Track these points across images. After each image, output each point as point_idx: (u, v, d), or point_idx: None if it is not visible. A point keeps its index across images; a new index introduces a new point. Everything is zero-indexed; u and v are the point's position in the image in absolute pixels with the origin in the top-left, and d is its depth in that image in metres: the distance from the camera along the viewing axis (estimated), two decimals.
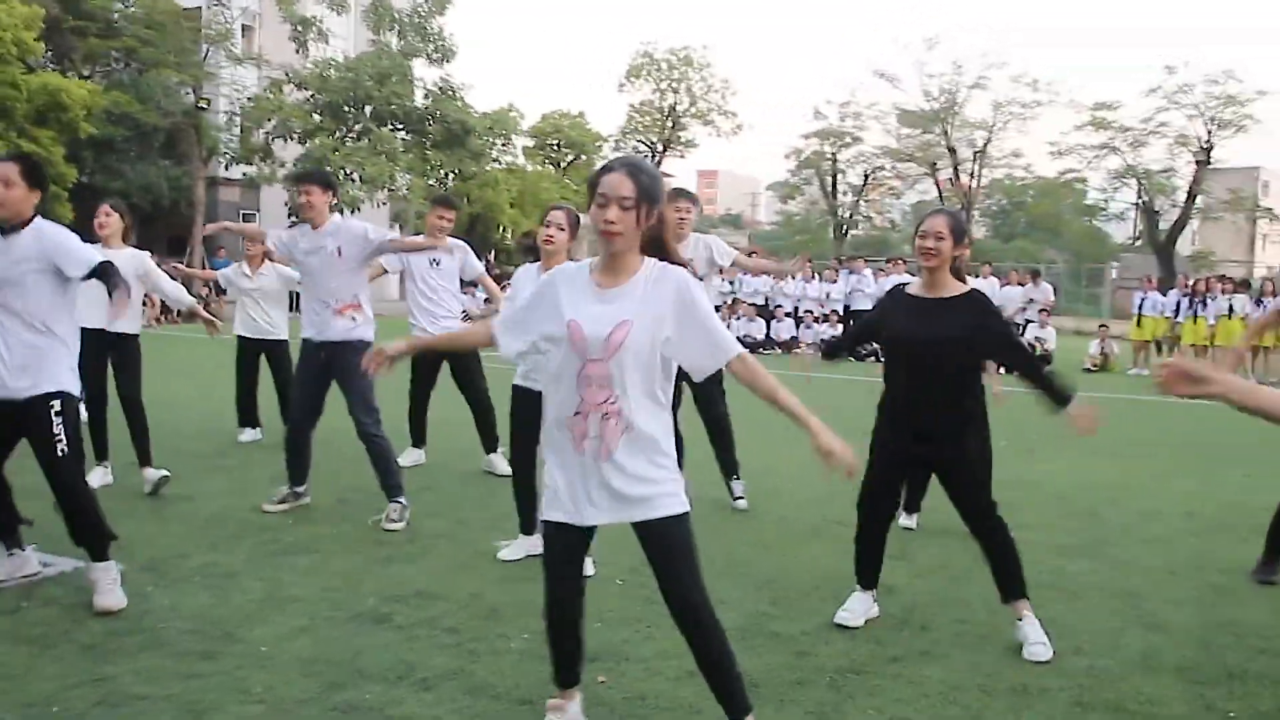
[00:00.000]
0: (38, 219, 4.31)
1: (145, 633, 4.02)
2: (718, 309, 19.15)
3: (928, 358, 4.19)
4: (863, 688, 3.74)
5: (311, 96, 29.77)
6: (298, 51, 29.82)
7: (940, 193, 42.03)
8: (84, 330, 4.73)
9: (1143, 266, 41.05)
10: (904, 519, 5.97)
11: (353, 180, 29.02)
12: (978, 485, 4.31)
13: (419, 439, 7.57)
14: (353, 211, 28.21)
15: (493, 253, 34.45)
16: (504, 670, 3.78)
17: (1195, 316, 17.42)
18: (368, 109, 30.07)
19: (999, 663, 4.02)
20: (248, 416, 8.38)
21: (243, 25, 31.92)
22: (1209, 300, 17.42)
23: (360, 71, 29.24)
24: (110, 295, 4.31)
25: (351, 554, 5.22)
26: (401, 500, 5.79)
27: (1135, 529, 6.32)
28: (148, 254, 6.68)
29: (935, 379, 4.20)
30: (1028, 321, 18.63)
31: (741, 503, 6.43)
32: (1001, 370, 5.54)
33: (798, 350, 6.40)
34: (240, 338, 8.46)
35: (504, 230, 39.80)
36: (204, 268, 23.12)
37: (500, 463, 7.33)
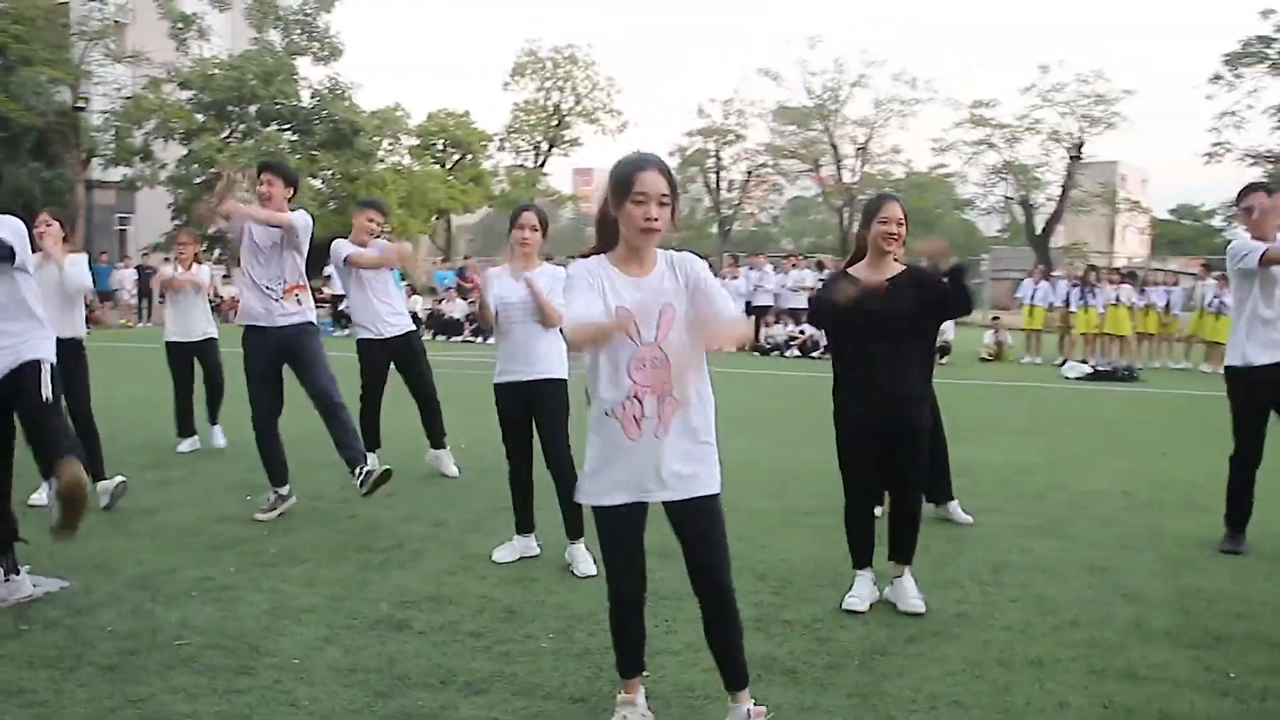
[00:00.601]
0: None
1: (164, 650, 3.92)
2: None
3: (894, 331, 4.39)
4: (892, 668, 3.89)
5: (195, 96, 28.79)
6: (177, 49, 28.81)
7: (823, 189, 42.99)
8: None
9: (1014, 259, 42.75)
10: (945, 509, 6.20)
11: None
12: (922, 454, 4.58)
13: (374, 443, 7.46)
14: None
15: None
16: (545, 671, 3.81)
17: (1086, 306, 18.24)
18: (253, 108, 29.25)
19: (1007, 638, 4.21)
20: (186, 425, 8.14)
21: (115, 21, 30.70)
22: (1098, 290, 18.27)
23: (245, 70, 28.43)
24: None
25: (342, 562, 5.15)
26: (366, 465, 5.84)
27: (1082, 508, 6.65)
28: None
29: (899, 351, 4.42)
30: None
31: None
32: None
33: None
34: (171, 344, 8.24)
35: (392, 232, 39.17)
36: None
37: (448, 461, 7.31)
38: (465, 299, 23.04)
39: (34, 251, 4.99)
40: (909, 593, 4.53)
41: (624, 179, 3.04)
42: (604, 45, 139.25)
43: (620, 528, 3.18)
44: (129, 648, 3.93)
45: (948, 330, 19.14)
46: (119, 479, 6.16)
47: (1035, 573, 5.16)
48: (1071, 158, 36.34)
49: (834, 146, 40.66)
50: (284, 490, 5.98)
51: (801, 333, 18.99)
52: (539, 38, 74.18)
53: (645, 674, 3.71)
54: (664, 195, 3.03)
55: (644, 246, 3.09)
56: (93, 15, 28.45)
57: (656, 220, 3.02)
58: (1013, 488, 7.24)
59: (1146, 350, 18.56)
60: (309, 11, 30.72)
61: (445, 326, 23.11)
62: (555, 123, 45.67)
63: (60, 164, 28.52)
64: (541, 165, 46.39)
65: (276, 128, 29.99)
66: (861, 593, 4.55)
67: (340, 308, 24.12)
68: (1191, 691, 3.70)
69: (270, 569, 4.99)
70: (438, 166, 44.19)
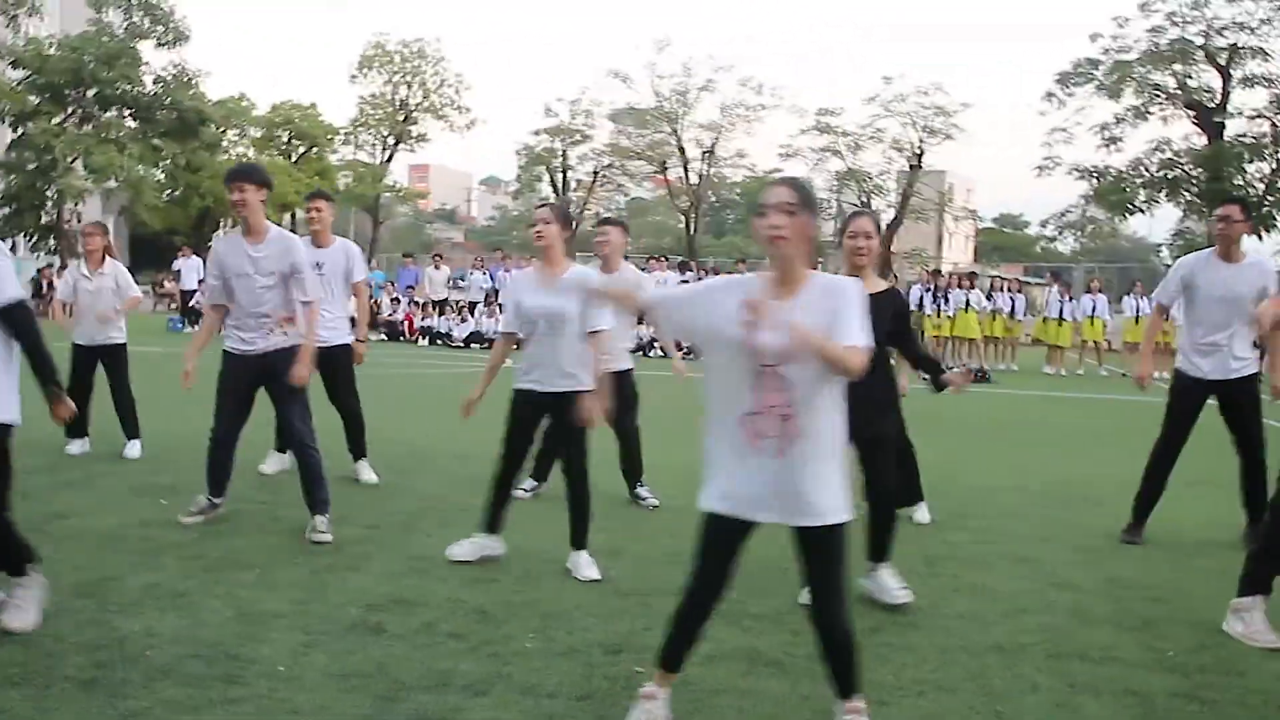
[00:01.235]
0: None
1: (136, 661, 3.75)
2: (487, 301, 18.70)
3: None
4: (868, 657, 4.01)
5: (29, 77, 27.08)
6: (7, 26, 27.05)
7: (670, 191, 43.54)
8: None
9: None
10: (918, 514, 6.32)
11: (72, 169, 26.71)
12: (891, 459, 4.76)
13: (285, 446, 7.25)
14: (76, 204, 26.00)
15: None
16: (539, 670, 3.82)
17: (939, 310, 19.12)
18: (91, 92, 27.71)
19: (964, 627, 4.46)
20: (77, 426, 7.70)
21: None
22: (949, 295, 19.17)
23: (84, 51, 26.90)
24: None
25: (291, 566, 5.02)
26: (328, 514, 5.60)
27: (983, 504, 7.03)
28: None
29: (873, 364, 4.59)
30: None
31: (652, 500, 6.63)
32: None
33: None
34: (77, 347, 7.77)
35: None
36: None
37: (366, 471, 7.16)
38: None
39: None
40: (891, 586, 4.68)
41: (758, 201, 3.12)
42: (454, 42, 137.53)
43: (718, 536, 3.23)
44: (98, 660, 3.74)
45: None
46: None
47: (965, 564, 5.46)
48: (911, 167, 37.88)
49: (681, 150, 41.25)
50: (218, 500, 5.76)
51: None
52: (388, 31, 72.69)
53: (681, 674, 3.69)
54: (787, 204, 3.04)
55: (779, 257, 3.09)
56: None
57: (780, 229, 3.04)
58: None
59: (993, 353, 19.58)
60: None
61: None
62: (402, 118, 44.92)
63: None
64: (388, 160, 45.58)
65: (117, 113, 28.46)
66: None
67: (191, 303, 23.15)
68: (1143, 670, 4.01)
69: (219, 574, 4.82)
70: (283, 159, 42.84)
